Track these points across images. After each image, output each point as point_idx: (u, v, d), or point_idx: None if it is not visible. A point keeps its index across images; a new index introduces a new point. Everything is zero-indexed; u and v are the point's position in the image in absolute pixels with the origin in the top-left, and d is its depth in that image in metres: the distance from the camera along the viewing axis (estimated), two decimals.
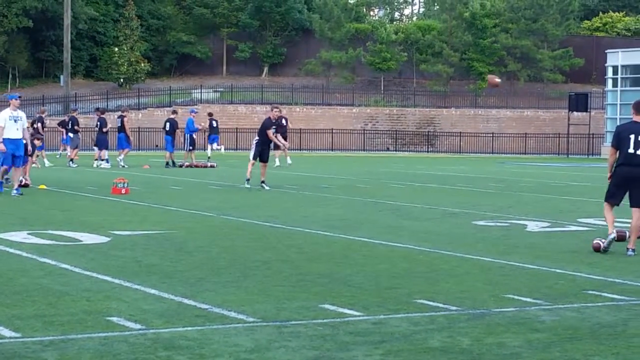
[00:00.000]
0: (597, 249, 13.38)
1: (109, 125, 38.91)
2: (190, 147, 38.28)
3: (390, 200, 22.48)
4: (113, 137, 40.74)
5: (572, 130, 66.56)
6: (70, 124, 39.84)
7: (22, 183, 23.03)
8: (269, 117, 25.79)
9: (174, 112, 40.23)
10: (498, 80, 14.25)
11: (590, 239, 14.07)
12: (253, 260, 11.94)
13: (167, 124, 38.40)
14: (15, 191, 21.50)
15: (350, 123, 67.85)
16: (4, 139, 21.49)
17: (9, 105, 22.06)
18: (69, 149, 40.75)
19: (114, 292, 9.53)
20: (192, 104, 64.11)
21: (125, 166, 36.65)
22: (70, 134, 39.74)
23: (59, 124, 45.03)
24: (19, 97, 23.21)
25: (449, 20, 76.41)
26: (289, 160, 38.85)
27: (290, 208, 19.92)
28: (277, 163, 38.00)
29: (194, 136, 38.81)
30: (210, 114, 44.96)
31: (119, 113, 41.18)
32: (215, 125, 43.77)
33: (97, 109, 43.55)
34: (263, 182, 25.10)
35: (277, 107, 26.48)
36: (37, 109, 45.14)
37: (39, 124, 36.07)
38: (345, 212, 19.25)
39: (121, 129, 38.22)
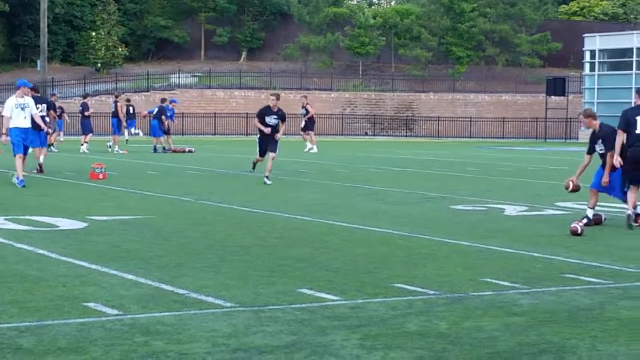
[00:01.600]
0: (575, 233, 13.42)
1: (91, 110, 38.91)
2: (167, 133, 38.25)
3: (369, 184, 22.48)
4: (97, 122, 40.65)
5: (549, 115, 66.76)
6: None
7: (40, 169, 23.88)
8: (268, 106, 22.74)
9: (163, 100, 39.99)
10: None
11: (568, 223, 14.11)
12: (231, 245, 11.91)
13: (155, 109, 38.32)
14: (16, 180, 20.48)
15: (329, 108, 67.81)
16: (12, 128, 20.75)
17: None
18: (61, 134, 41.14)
19: (91, 278, 9.49)
20: (169, 89, 64.00)
21: (121, 152, 36.47)
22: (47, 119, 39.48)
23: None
24: (32, 86, 22.46)
25: (427, 4, 76.47)
26: (309, 147, 39.74)
27: (269, 193, 19.88)
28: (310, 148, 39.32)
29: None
30: (127, 100, 44.02)
31: (113, 98, 41.00)
32: (132, 111, 43.04)
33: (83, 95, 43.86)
34: (267, 176, 22.10)
35: (274, 95, 23.07)
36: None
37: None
38: (324, 196, 19.23)
39: (115, 113, 38.10)
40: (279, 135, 22.46)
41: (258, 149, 23.05)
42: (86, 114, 37.90)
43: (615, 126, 15.01)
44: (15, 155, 20.73)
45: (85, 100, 39.35)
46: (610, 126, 15.28)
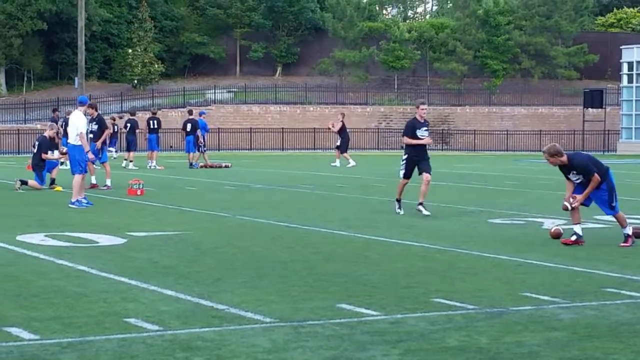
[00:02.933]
0: (557, 236, 14.16)
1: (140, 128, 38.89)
2: (205, 149, 38.38)
3: (406, 199, 22.42)
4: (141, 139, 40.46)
5: (587, 127, 66.35)
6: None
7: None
8: (415, 118, 19.19)
9: (190, 112, 40.05)
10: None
11: (608, 236, 14.03)
12: (269, 261, 11.93)
13: (188, 125, 38.23)
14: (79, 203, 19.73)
15: (364, 122, 67.78)
16: (80, 146, 20.09)
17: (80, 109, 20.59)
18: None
19: (131, 294, 9.54)
20: (205, 105, 64.22)
21: (159, 168, 36.57)
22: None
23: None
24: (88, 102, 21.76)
25: (462, 18, 76.28)
26: (339, 163, 39.47)
27: (306, 208, 19.90)
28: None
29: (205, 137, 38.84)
30: (113, 119, 42.64)
31: (150, 114, 40.73)
32: (116, 130, 42.07)
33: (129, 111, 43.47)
34: (421, 203, 18.56)
35: (421, 103, 19.45)
36: (50, 111, 44.70)
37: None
38: (361, 211, 19.22)
39: (154, 130, 38.11)
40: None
41: (404, 170, 19.01)
42: (137, 131, 37.92)
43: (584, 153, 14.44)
44: (78, 174, 20.05)
45: (134, 118, 39.12)
46: (580, 155, 14.47)
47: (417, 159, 18.94)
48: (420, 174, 18.82)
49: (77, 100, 21.04)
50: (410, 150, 19.05)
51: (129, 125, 38.27)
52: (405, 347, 7.37)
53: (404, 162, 19.05)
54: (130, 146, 37.90)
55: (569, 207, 14.18)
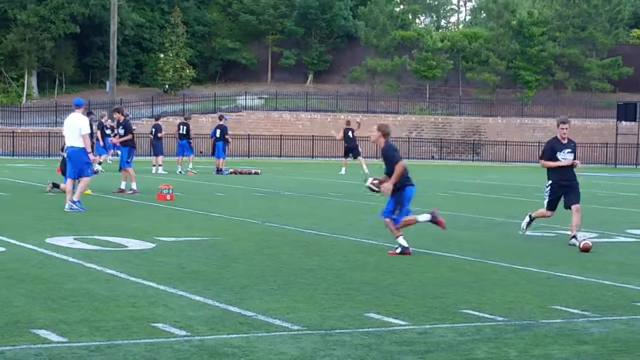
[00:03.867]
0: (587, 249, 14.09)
1: (163, 132, 38.99)
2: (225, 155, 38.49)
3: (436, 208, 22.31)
4: (171, 143, 40.48)
5: (620, 140, 65.95)
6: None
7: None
8: (555, 137, 16.62)
9: (221, 117, 40.09)
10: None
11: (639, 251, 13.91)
12: (298, 268, 11.91)
13: (218, 131, 38.30)
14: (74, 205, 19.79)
15: (395, 131, 67.52)
16: (83, 148, 20.07)
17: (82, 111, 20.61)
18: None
19: (160, 298, 9.54)
20: (236, 111, 64.41)
21: (195, 172, 36.69)
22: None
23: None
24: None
25: (495, 28, 76.09)
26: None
27: (335, 216, 19.87)
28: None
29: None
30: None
31: (182, 120, 40.76)
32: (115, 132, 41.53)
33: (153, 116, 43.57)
34: (575, 236, 15.43)
35: (563, 121, 16.64)
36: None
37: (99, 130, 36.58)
38: None
39: (185, 136, 38.21)
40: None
41: (547, 198, 16.50)
42: (159, 135, 38.04)
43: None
44: (86, 177, 20.30)
45: (159, 122, 39.32)
46: (390, 145, 14.17)
47: (565, 183, 16.15)
48: (566, 207, 16.12)
49: (73, 104, 20.64)
50: (555, 174, 16.25)
51: (153, 130, 38.44)
52: (433, 358, 7.32)
53: (548, 188, 16.42)
54: (157, 151, 38.02)
55: (374, 188, 14.19)
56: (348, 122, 41.42)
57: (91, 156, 20.60)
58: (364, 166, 37.53)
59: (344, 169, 40.16)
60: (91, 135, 37.19)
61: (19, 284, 10.22)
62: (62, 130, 21.06)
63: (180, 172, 36.79)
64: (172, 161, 40.33)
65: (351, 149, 40.17)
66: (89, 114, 42.11)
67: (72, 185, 19.89)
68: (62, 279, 10.63)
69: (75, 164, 19.97)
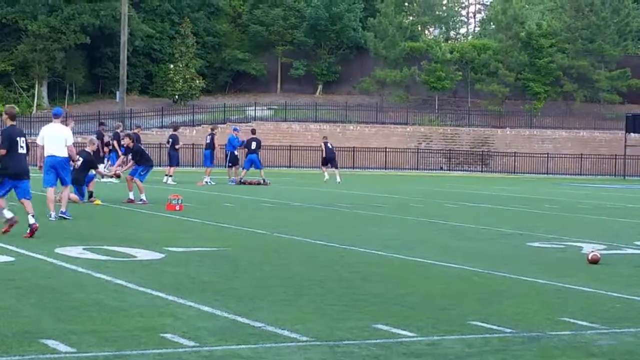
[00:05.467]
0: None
1: (181, 143, 39.06)
2: (230, 164, 38.51)
3: (445, 220, 22.36)
4: (186, 153, 40.71)
5: (628, 152, 65.90)
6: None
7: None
8: None
9: (213, 128, 40.28)
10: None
11: None
12: (306, 279, 11.92)
13: (209, 138, 38.65)
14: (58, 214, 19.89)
15: (404, 142, 67.74)
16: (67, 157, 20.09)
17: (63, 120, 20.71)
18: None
19: (168, 309, 9.56)
20: (246, 122, 64.45)
21: (213, 183, 36.74)
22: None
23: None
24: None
25: (504, 39, 76.09)
26: (338, 179, 41.30)
27: (344, 227, 19.88)
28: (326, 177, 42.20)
29: (236, 153, 38.85)
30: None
31: (209, 130, 40.75)
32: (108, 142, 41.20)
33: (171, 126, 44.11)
34: None
35: None
36: (94, 125, 44.78)
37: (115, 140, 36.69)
38: (399, 231, 19.18)
39: (210, 145, 38.27)
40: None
41: None
42: (177, 147, 38.11)
43: None
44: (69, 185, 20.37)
45: (176, 133, 39.38)
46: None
47: None
48: None
49: (52, 113, 20.62)
50: None
51: (170, 140, 38.46)
52: None
53: None
54: (172, 161, 38.05)
55: None
56: (325, 137, 45.66)
57: (101, 167, 20.72)
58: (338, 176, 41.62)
59: (326, 174, 42.97)
60: (107, 144, 37.41)
61: (28, 294, 10.26)
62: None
63: (208, 182, 36.75)
64: (182, 172, 40.33)
65: (330, 159, 43.58)
66: (100, 124, 42.24)
67: (53, 194, 19.67)
68: (71, 289, 10.65)
69: (59, 173, 19.68)
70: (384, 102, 74.22)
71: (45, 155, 19.63)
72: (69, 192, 20.41)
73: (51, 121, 20.17)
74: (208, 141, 38.61)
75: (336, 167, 43.59)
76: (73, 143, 20.25)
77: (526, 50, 75.26)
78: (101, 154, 27.09)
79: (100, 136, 36.59)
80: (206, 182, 36.89)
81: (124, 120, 59.83)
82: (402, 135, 68.41)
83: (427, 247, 16.20)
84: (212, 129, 40.09)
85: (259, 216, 22.16)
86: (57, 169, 19.61)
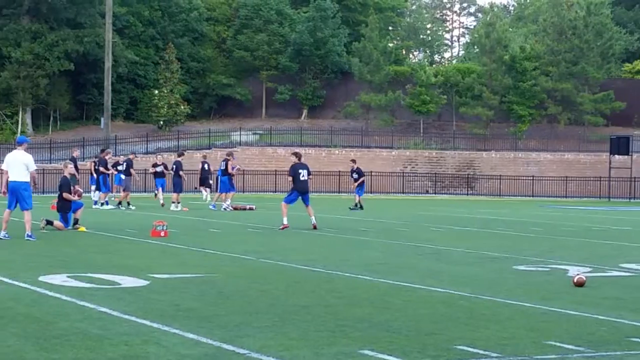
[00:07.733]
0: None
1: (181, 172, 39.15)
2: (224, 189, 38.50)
3: (430, 244, 22.35)
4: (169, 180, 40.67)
5: (613, 174, 66.12)
6: (125, 166, 39.09)
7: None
8: None
9: (229, 154, 40.06)
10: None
11: (634, 285, 13.89)
12: (292, 305, 11.87)
13: (223, 164, 38.32)
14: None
15: (390, 166, 67.81)
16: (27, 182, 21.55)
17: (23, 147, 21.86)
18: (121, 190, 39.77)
19: (153, 337, 9.50)
20: (231, 147, 64.40)
21: (230, 209, 36.65)
22: (122, 176, 39.05)
23: (112, 166, 42.56)
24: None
25: (488, 63, 76.38)
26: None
27: (330, 252, 19.84)
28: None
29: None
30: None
31: (224, 156, 40.48)
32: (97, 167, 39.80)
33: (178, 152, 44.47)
34: None
35: None
36: (76, 151, 44.38)
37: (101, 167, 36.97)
38: (385, 255, 19.15)
39: (225, 172, 38.09)
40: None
41: None
42: (180, 173, 38.10)
43: None
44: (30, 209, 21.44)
45: (180, 159, 39.36)
46: None
47: None
48: None
49: (17, 141, 22.29)
50: None
51: (174, 167, 38.45)
52: None
53: None
54: (176, 188, 37.98)
55: None
56: (204, 156, 45.02)
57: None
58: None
59: (204, 193, 43.58)
60: (106, 169, 38.04)
61: (10, 323, 10.18)
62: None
63: (227, 209, 36.70)
64: (166, 197, 40.25)
65: (204, 179, 43.35)
66: (102, 151, 42.12)
67: (8, 215, 21.32)
68: (55, 318, 10.58)
69: (17, 197, 21.31)
70: (369, 126, 74.34)
71: (9, 180, 21.43)
72: (30, 216, 21.41)
73: (21, 149, 21.59)
74: (223, 167, 38.31)
75: (209, 187, 43.62)
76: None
77: (510, 73, 75.56)
78: (77, 177, 27.27)
79: (73, 160, 36.17)
80: (224, 208, 36.77)
81: (108, 147, 59.72)
82: (388, 159, 68.49)
83: (413, 271, 16.16)
84: (227, 155, 39.67)
85: (245, 241, 22.10)
86: (15, 192, 21.29)
